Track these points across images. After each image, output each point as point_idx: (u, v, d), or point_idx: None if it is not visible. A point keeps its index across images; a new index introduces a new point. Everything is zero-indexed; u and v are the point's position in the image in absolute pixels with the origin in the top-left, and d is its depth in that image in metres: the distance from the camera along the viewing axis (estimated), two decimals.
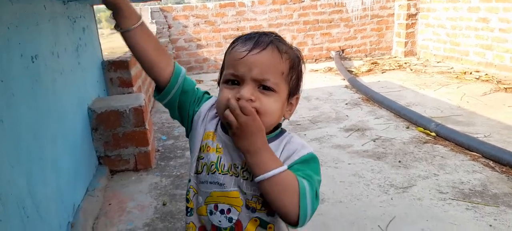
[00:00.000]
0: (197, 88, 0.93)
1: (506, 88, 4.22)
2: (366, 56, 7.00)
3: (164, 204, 2.31)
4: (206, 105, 0.90)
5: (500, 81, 4.53)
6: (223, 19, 6.37)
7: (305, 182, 0.74)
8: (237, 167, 0.82)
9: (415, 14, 6.54)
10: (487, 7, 5.13)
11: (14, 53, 1.53)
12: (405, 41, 6.65)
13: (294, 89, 0.85)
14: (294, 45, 0.90)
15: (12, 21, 1.54)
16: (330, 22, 6.78)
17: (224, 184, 0.82)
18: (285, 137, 0.85)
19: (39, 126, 1.76)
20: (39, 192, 1.67)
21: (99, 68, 3.13)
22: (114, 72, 3.24)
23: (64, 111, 2.17)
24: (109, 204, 2.36)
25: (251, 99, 0.75)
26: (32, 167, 1.63)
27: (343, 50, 6.90)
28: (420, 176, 2.44)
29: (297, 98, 0.88)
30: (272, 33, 0.85)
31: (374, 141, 3.07)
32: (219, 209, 0.83)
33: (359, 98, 4.37)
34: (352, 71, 5.80)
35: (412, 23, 6.58)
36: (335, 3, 6.72)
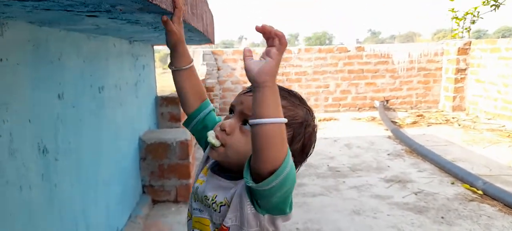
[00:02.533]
0: None
1: None
2: (412, 108, 6.87)
3: None
4: None
5: None
6: None
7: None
8: (208, 199, 0.87)
9: (465, 69, 6.40)
10: None
11: (86, 83, 1.74)
12: (454, 96, 6.48)
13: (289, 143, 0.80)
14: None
15: (88, 56, 1.77)
16: (375, 72, 6.80)
17: (199, 209, 0.91)
18: None
19: (98, 151, 1.94)
20: (90, 213, 1.81)
21: (153, 103, 3.37)
22: (165, 107, 3.47)
23: (120, 140, 2.37)
24: None
25: (225, 130, 0.84)
26: (88, 189, 1.79)
27: (387, 101, 6.84)
28: None
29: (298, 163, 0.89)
30: (294, 93, 0.91)
31: (416, 194, 2.99)
32: None
33: (402, 149, 4.29)
34: (396, 122, 5.72)
35: (461, 78, 6.43)
36: (381, 54, 6.76)
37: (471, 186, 3.04)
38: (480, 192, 2.94)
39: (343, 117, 6.43)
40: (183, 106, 1.02)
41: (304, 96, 0.98)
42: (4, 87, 1.10)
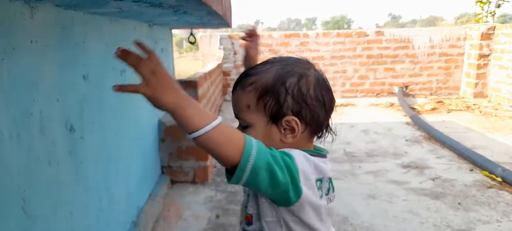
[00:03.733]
0: None
1: None
2: (431, 94, 6.75)
3: (217, 217, 2.45)
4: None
5: None
6: (287, 49, 6.59)
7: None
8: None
9: (488, 55, 6.22)
10: None
11: (108, 66, 1.79)
12: (475, 82, 6.33)
13: (277, 113, 0.79)
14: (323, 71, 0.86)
15: (109, 39, 1.82)
16: (395, 57, 6.69)
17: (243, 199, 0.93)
18: None
19: (120, 131, 2.00)
20: (113, 189, 1.89)
21: None
22: (184, 90, 3.52)
23: (140, 121, 2.44)
24: (168, 211, 2.55)
25: None
26: (111, 165, 1.87)
27: (406, 87, 6.74)
28: (481, 221, 2.32)
29: (291, 121, 0.80)
30: (251, 69, 0.84)
31: (433, 180, 2.97)
32: (239, 222, 0.93)
33: (420, 136, 4.25)
34: (415, 109, 5.64)
35: (484, 64, 6.26)
36: (401, 39, 6.64)
37: (490, 173, 3.01)
38: (499, 179, 2.90)
39: (360, 102, 6.38)
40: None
41: None
42: (34, 68, 1.16)
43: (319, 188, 0.79)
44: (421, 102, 6.19)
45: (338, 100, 6.37)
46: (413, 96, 6.69)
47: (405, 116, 5.20)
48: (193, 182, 3.00)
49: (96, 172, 1.67)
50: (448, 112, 5.47)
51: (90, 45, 1.59)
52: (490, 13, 6.77)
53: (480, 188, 2.81)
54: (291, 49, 6.57)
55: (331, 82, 0.88)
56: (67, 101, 1.37)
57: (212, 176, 3.12)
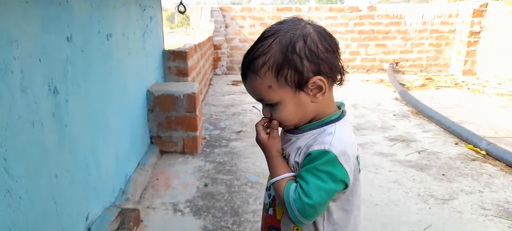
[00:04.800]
0: None
1: None
2: (421, 71, 6.79)
3: (206, 185, 2.47)
4: None
5: None
6: None
7: (291, 186, 0.82)
8: (283, 152, 0.92)
9: (479, 32, 6.24)
10: None
11: (93, 29, 1.75)
12: (465, 60, 6.37)
13: (300, 80, 0.81)
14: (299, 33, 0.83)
15: (95, 1, 1.77)
16: (387, 33, 6.68)
17: None
18: (325, 129, 0.85)
19: (107, 97, 1.98)
20: (100, 155, 1.88)
21: (160, 56, 3.38)
22: (173, 62, 3.48)
23: (128, 89, 2.41)
24: (157, 179, 2.56)
25: (266, 117, 0.89)
26: (98, 131, 1.85)
27: (397, 63, 6.76)
28: (463, 191, 2.38)
29: (317, 81, 0.82)
30: (252, 50, 0.85)
31: (419, 153, 3.02)
32: (267, 187, 0.98)
33: (408, 111, 4.29)
34: (404, 85, 5.67)
35: (474, 41, 6.29)
36: (393, 14, 6.61)
37: (475, 147, 3.06)
38: (483, 152, 2.96)
39: (351, 78, 6.32)
40: None
41: None
42: (13, 23, 1.12)
43: (358, 163, 0.87)
44: (411, 79, 6.23)
45: None
46: (403, 73, 6.72)
47: (395, 91, 5.24)
48: (182, 152, 3.00)
49: (83, 137, 1.66)
50: (437, 89, 5.52)
51: (74, 5, 1.55)
52: None
53: (464, 160, 2.87)
54: None
55: None
56: (50, 62, 1.34)
57: (202, 147, 3.12)
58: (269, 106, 0.86)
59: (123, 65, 2.29)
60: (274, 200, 0.92)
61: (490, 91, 5.22)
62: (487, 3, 6.14)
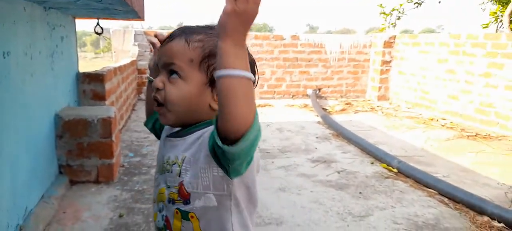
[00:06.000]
0: None
1: (468, 136, 4.42)
2: (341, 97, 7.22)
3: (120, 216, 2.28)
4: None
5: (463, 129, 4.75)
6: None
7: None
8: (165, 163, 0.85)
9: (389, 61, 6.85)
10: (455, 60, 5.45)
11: None
12: (379, 86, 6.91)
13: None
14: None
15: None
16: (309, 61, 7.02)
17: (158, 182, 0.89)
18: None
19: (2, 120, 1.75)
20: None
21: (73, 78, 3.13)
22: (88, 85, 3.25)
23: (31, 113, 2.16)
24: (64, 212, 2.31)
25: (158, 88, 0.81)
26: None
27: (319, 89, 7.10)
28: (378, 207, 2.50)
29: None
30: (197, 27, 0.84)
31: (339, 173, 3.14)
32: (158, 209, 0.88)
33: (330, 133, 4.48)
34: (326, 109, 5.96)
35: (386, 70, 6.87)
36: (315, 43, 6.99)
37: (388, 165, 3.27)
38: (395, 170, 3.17)
39: (277, 103, 6.56)
40: (148, 114, 1.07)
41: None
42: None
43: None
44: (332, 104, 6.58)
45: (256, 101, 6.45)
46: (325, 98, 7.08)
47: (317, 115, 5.47)
48: (96, 181, 2.76)
49: None
50: (355, 113, 5.88)
51: None
52: (392, 24, 7.49)
53: (379, 178, 3.04)
54: None
55: None
56: None
57: (119, 175, 2.91)
58: (169, 78, 0.80)
59: (25, 87, 2.06)
60: (168, 221, 0.84)
61: (401, 115, 5.69)
62: (395, 36, 6.80)
